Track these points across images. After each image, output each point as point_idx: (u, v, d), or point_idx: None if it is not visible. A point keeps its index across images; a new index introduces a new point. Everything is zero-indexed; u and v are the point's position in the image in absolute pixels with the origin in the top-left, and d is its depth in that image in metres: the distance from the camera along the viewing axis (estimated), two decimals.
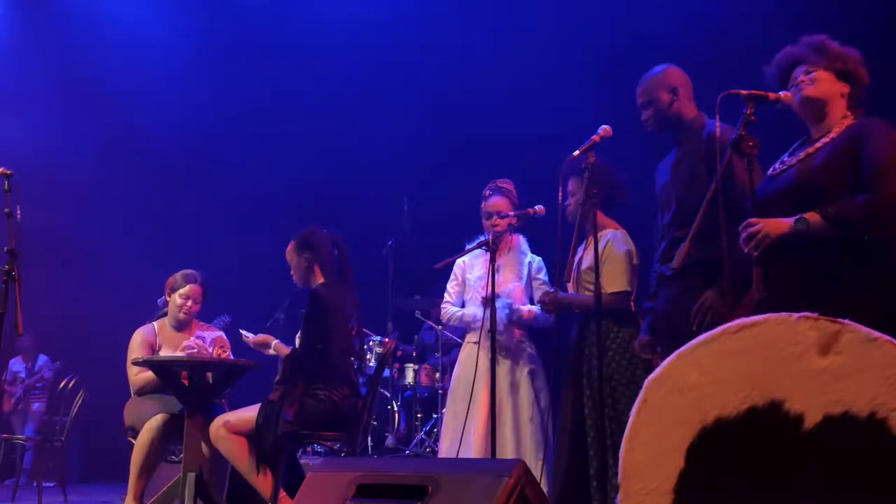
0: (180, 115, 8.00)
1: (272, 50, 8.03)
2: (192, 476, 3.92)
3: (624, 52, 6.26)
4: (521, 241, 4.60)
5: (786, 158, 2.85)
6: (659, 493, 1.84)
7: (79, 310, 7.97)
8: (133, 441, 4.23)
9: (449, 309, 4.65)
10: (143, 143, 8.30)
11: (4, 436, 6.38)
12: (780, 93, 2.80)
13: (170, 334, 4.58)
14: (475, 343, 4.38)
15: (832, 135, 2.72)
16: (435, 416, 6.62)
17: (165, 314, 4.67)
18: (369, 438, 6.45)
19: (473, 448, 4.24)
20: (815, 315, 1.86)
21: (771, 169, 2.87)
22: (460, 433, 4.24)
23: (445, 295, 4.70)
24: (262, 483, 3.87)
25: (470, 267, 4.63)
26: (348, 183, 8.14)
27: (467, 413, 4.24)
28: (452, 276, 4.70)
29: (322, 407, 3.96)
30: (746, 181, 2.73)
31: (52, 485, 7.48)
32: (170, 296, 4.60)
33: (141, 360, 4.22)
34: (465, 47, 7.51)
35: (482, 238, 4.35)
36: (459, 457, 4.20)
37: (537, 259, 4.60)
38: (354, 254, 4.38)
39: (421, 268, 5.58)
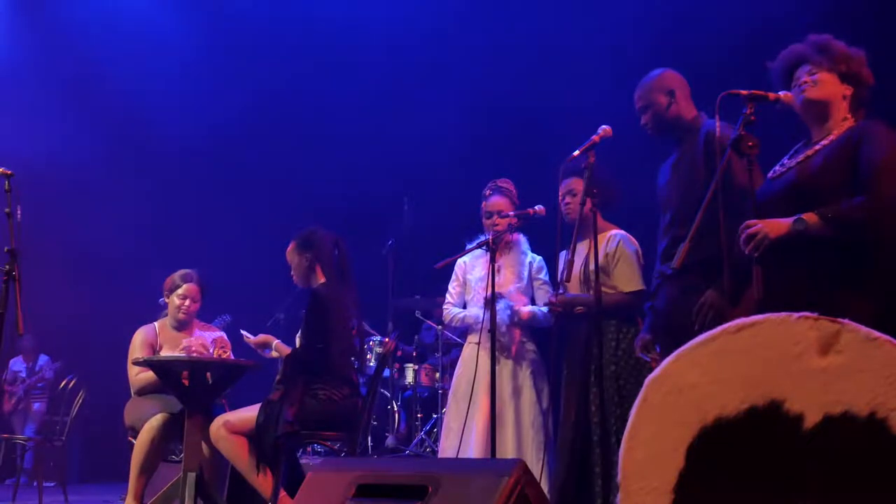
0: (181, 115, 8.00)
1: (271, 51, 8.03)
2: (192, 476, 3.92)
3: (624, 51, 6.26)
4: (522, 240, 4.60)
5: (786, 161, 2.85)
6: (659, 493, 1.84)
7: (80, 310, 7.98)
8: (133, 441, 4.24)
9: (451, 310, 4.66)
10: (144, 144, 8.30)
11: (5, 436, 6.39)
12: (780, 93, 2.80)
13: (170, 334, 4.59)
14: (476, 343, 4.38)
15: (832, 137, 2.72)
16: (435, 416, 6.62)
17: (167, 314, 4.68)
18: (369, 438, 6.44)
19: (474, 448, 4.25)
20: (815, 315, 1.86)
21: (771, 171, 2.87)
22: (461, 433, 4.25)
23: (447, 296, 4.71)
24: (262, 483, 3.87)
25: (471, 267, 4.63)
26: (348, 183, 8.14)
27: (467, 413, 4.25)
28: (454, 277, 4.70)
29: (322, 407, 3.96)
30: (746, 181, 2.73)
31: (52, 485, 7.49)
32: (168, 296, 4.61)
33: (141, 360, 4.22)
34: (464, 47, 7.51)
35: (482, 238, 4.36)
36: (459, 457, 4.20)
37: (538, 259, 4.60)
38: (354, 254, 4.39)
39: (421, 268, 5.58)
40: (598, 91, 6.09)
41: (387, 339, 6.38)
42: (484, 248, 4.25)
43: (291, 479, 4.02)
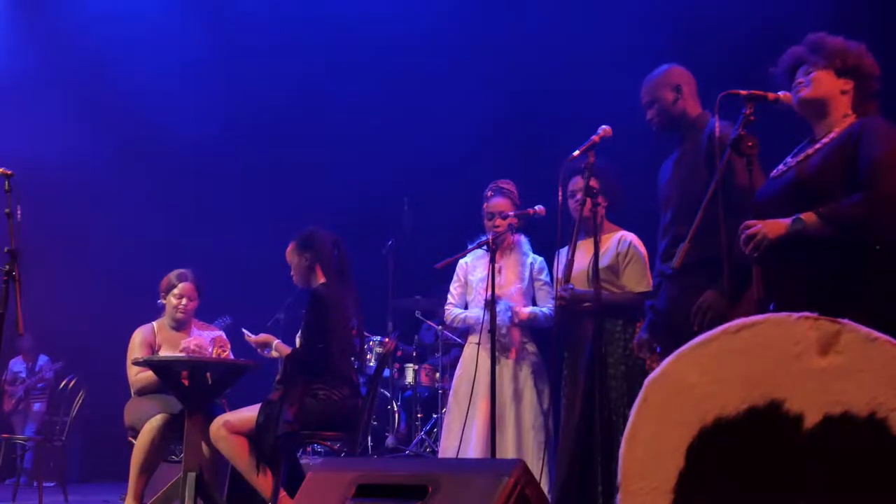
0: (181, 116, 7.99)
1: (271, 52, 8.03)
2: (192, 476, 3.92)
3: (624, 51, 6.26)
4: (523, 241, 4.61)
5: (789, 160, 2.85)
6: (659, 493, 1.84)
7: (80, 310, 7.98)
8: (133, 441, 4.24)
9: (452, 311, 4.67)
10: (144, 144, 8.30)
11: (5, 436, 6.39)
12: (780, 93, 2.80)
13: (169, 334, 4.59)
14: (477, 344, 4.39)
15: (832, 135, 2.71)
16: (435, 416, 6.62)
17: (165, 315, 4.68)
18: (369, 438, 6.44)
19: (474, 448, 4.25)
20: (815, 315, 1.86)
21: (775, 171, 2.87)
22: (461, 433, 4.25)
23: (448, 296, 4.72)
24: (262, 483, 3.87)
25: (472, 268, 4.64)
26: (348, 183, 8.14)
27: (467, 413, 4.25)
28: (455, 278, 4.71)
29: (322, 407, 3.96)
30: (746, 181, 2.73)
31: (52, 485, 7.49)
32: (165, 297, 4.62)
33: (141, 360, 4.22)
34: (464, 47, 7.51)
35: (483, 238, 4.36)
36: (460, 457, 4.20)
37: (539, 259, 4.61)
38: (354, 254, 4.39)
39: (421, 268, 5.58)
40: (598, 91, 6.08)
41: (387, 339, 6.38)
42: (484, 248, 4.25)
43: (291, 479, 4.02)
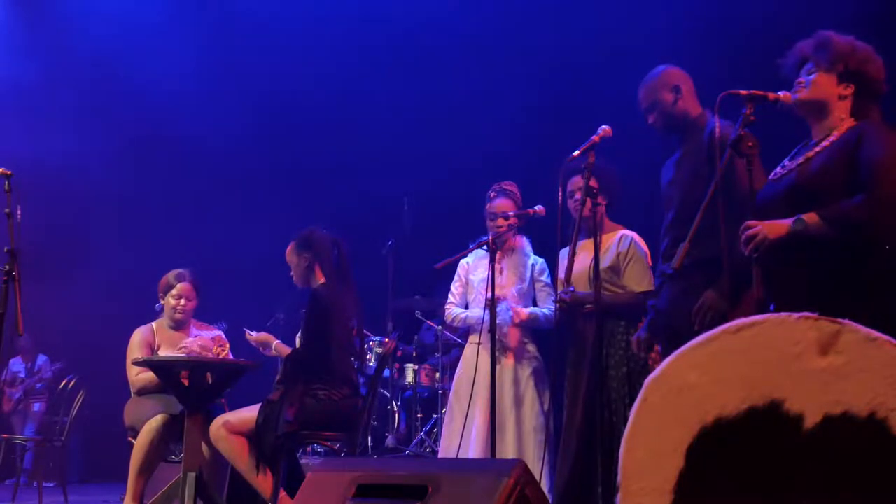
0: (180, 116, 8.00)
1: (270, 52, 8.03)
2: (192, 476, 3.92)
3: (624, 50, 6.26)
4: (525, 243, 4.63)
5: (787, 162, 2.85)
6: (659, 493, 1.84)
7: (79, 310, 7.97)
8: (133, 441, 4.24)
9: (453, 310, 4.68)
10: (144, 144, 8.30)
11: (4, 436, 6.38)
12: (780, 93, 2.80)
13: (168, 334, 4.59)
14: (477, 344, 4.40)
15: (832, 138, 2.71)
16: (435, 416, 6.62)
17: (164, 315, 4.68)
18: (369, 438, 6.44)
19: (475, 448, 4.25)
20: (815, 315, 1.85)
21: (773, 173, 2.86)
22: (461, 433, 4.25)
23: (449, 296, 4.73)
24: (262, 483, 3.87)
25: (473, 268, 4.65)
26: (348, 183, 8.14)
27: (467, 413, 4.25)
28: (456, 278, 4.73)
29: (322, 407, 3.96)
30: (747, 181, 2.73)
31: (52, 485, 7.49)
32: (163, 297, 4.62)
33: (141, 360, 4.23)
34: (465, 47, 7.51)
35: (484, 238, 4.36)
36: (460, 457, 4.20)
37: (540, 261, 4.62)
38: (354, 254, 4.39)
39: (421, 268, 5.58)
40: (598, 91, 6.09)
41: (387, 339, 6.38)
42: (485, 248, 4.26)
43: (291, 479, 4.02)
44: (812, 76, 2.76)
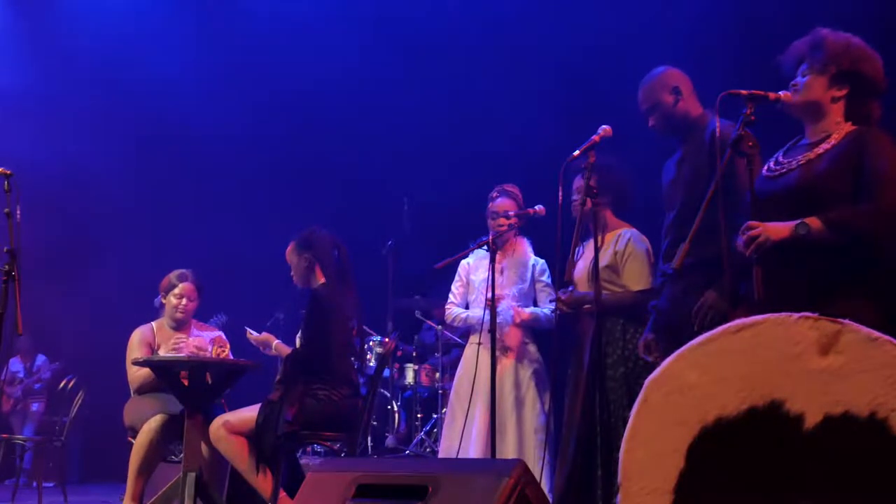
0: (180, 116, 8.00)
1: (270, 51, 8.03)
2: (192, 476, 3.92)
3: (625, 50, 6.26)
4: (526, 243, 4.64)
5: (781, 159, 2.84)
6: (659, 493, 1.84)
7: (79, 310, 7.97)
8: (133, 441, 4.24)
9: (453, 310, 4.68)
10: (143, 145, 8.30)
11: (4, 436, 6.38)
12: (780, 93, 2.80)
13: (168, 334, 4.59)
14: (478, 343, 4.40)
15: (832, 141, 2.70)
16: (435, 416, 6.62)
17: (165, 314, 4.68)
18: (369, 438, 6.44)
19: (475, 448, 4.26)
20: (815, 315, 1.86)
21: (766, 169, 2.85)
22: (461, 433, 4.25)
23: (450, 296, 4.74)
24: (262, 483, 3.87)
25: (474, 269, 4.66)
26: (348, 183, 8.14)
27: (467, 413, 4.26)
28: (457, 278, 4.74)
29: (322, 407, 3.96)
30: (747, 181, 2.72)
31: (51, 485, 7.49)
32: (165, 297, 4.62)
33: (141, 360, 4.22)
34: (466, 47, 7.51)
35: (484, 238, 4.37)
36: (460, 457, 4.20)
37: (541, 261, 4.63)
38: (354, 254, 4.39)
39: (421, 268, 5.58)
40: (598, 90, 6.08)
41: (387, 339, 6.38)
42: (485, 248, 4.26)
43: (291, 479, 4.02)
44: (805, 78, 2.76)
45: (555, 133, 5.89)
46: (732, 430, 1.83)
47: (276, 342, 4.24)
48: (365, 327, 4.61)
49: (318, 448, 6.17)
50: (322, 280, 4.21)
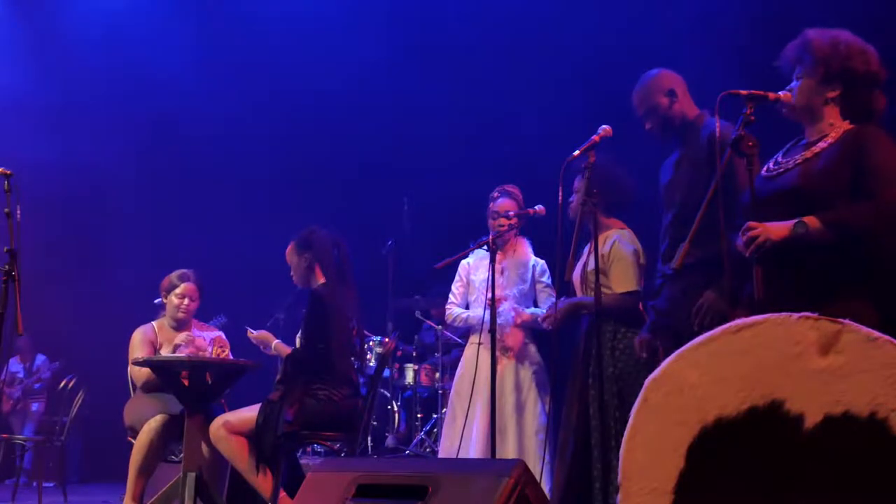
0: (179, 116, 8.00)
1: (270, 50, 8.03)
2: (192, 476, 3.92)
3: (624, 50, 6.26)
4: (527, 244, 4.65)
5: (780, 159, 2.84)
6: (659, 493, 1.84)
7: (79, 309, 7.97)
8: (133, 441, 4.24)
9: (454, 310, 4.69)
10: (143, 144, 8.30)
11: (4, 436, 6.38)
12: (780, 93, 2.80)
13: (169, 334, 4.60)
14: (478, 344, 4.40)
15: (829, 140, 2.70)
16: (435, 416, 6.62)
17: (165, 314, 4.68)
18: (369, 438, 6.44)
19: (475, 448, 4.26)
20: (816, 315, 1.85)
21: (765, 170, 2.85)
22: (461, 433, 4.26)
23: (450, 296, 4.74)
24: (262, 483, 3.87)
25: (475, 269, 4.66)
26: (348, 183, 8.14)
27: (467, 413, 4.26)
28: (457, 278, 4.74)
29: (322, 407, 3.96)
30: (747, 181, 2.72)
31: (51, 485, 7.49)
32: (166, 297, 4.62)
33: (141, 360, 4.22)
34: (465, 47, 7.51)
35: (484, 238, 4.37)
36: (460, 457, 4.21)
37: (541, 262, 4.64)
38: (354, 254, 4.39)
39: (421, 268, 5.58)
40: (599, 90, 6.08)
41: (387, 339, 6.38)
42: (485, 248, 4.26)
43: (291, 479, 4.02)
44: (798, 82, 2.76)
45: (555, 133, 5.89)
46: (732, 430, 1.83)
47: (275, 342, 4.24)
48: (364, 329, 4.60)
49: (318, 448, 6.17)
50: (322, 280, 4.21)
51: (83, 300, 7.99)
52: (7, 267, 3.29)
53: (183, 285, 4.58)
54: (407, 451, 6.41)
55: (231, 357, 4.48)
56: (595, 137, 3.40)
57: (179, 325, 4.61)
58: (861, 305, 2.43)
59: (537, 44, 7.23)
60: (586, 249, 4.04)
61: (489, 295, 4.00)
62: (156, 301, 4.73)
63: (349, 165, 8.05)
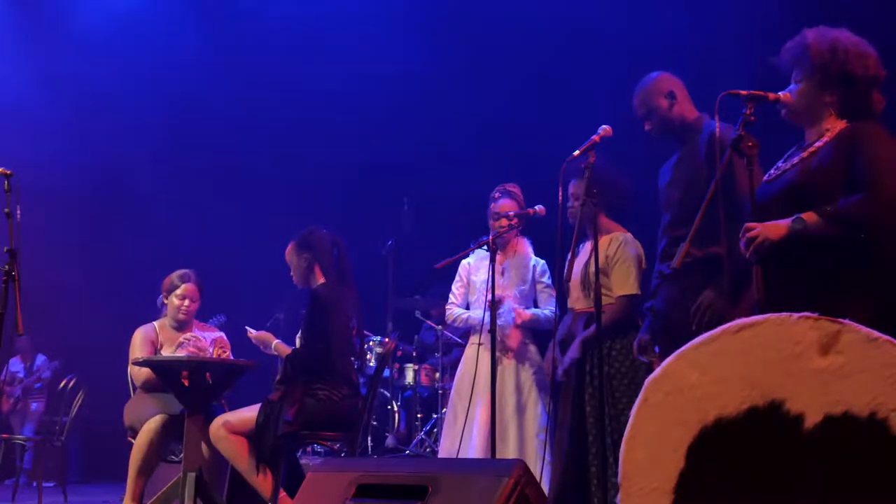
0: (179, 115, 8.00)
1: (271, 50, 8.03)
2: (192, 476, 3.92)
3: (624, 50, 6.26)
4: (527, 244, 4.64)
5: (781, 164, 2.84)
6: (659, 493, 1.84)
7: (78, 309, 7.97)
8: (133, 441, 4.24)
9: (454, 310, 4.69)
10: (142, 144, 8.30)
11: (4, 436, 6.38)
12: (780, 93, 2.80)
13: (170, 334, 4.59)
14: (478, 344, 4.40)
15: (826, 139, 2.71)
16: (435, 416, 6.62)
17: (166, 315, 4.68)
18: (369, 438, 6.45)
19: (475, 448, 4.26)
20: (816, 315, 1.85)
21: (767, 175, 2.86)
22: (461, 433, 4.26)
23: (450, 296, 4.74)
24: (262, 483, 3.87)
25: (475, 269, 4.66)
26: (348, 183, 8.14)
27: (467, 413, 4.26)
28: (458, 278, 4.74)
29: (322, 407, 3.96)
30: (747, 181, 2.72)
31: (52, 485, 7.49)
32: (167, 297, 4.62)
33: (141, 360, 4.22)
34: (465, 47, 7.51)
35: (484, 238, 4.37)
36: (460, 457, 4.21)
37: (541, 262, 4.64)
38: (354, 254, 4.39)
39: (421, 268, 5.58)
40: (598, 91, 6.08)
41: (387, 339, 6.39)
42: (485, 248, 4.26)
43: (291, 479, 4.02)
44: (797, 86, 2.76)
45: (555, 132, 5.89)
46: (732, 430, 1.83)
47: (275, 342, 4.24)
48: (364, 329, 4.60)
49: (318, 448, 6.17)
50: (322, 280, 4.21)
51: (83, 299, 7.99)
52: (7, 267, 3.29)
53: (183, 286, 4.58)
54: (407, 451, 6.41)
55: (231, 357, 4.48)
56: (595, 137, 3.40)
57: (180, 326, 4.61)
58: (861, 305, 2.43)
59: (537, 43, 7.23)
60: (582, 248, 4.04)
61: (489, 296, 4.00)
62: (157, 301, 4.73)
63: (349, 165, 8.05)
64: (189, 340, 4.42)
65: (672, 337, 3.13)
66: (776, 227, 2.58)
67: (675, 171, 3.46)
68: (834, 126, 2.72)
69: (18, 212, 3.33)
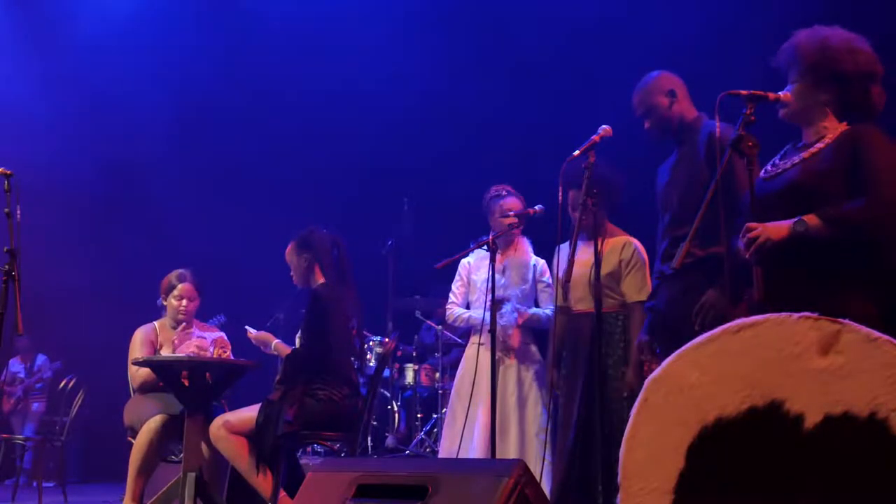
0: (178, 115, 8.00)
1: (270, 49, 8.03)
2: (192, 476, 3.92)
3: (625, 51, 6.26)
4: (527, 244, 4.64)
5: (778, 161, 2.84)
6: (659, 493, 1.84)
7: (78, 308, 7.97)
8: (132, 441, 4.24)
9: (455, 310, 4.68)
10: (142, 144, 8.30)
11: (4, 436, 6.38)
12: (780, 93, 2.79)
13: (170, 334, 4.59)
14: (479, 344, 4.40)
15: (826, 140, 2.70)
16: (435, 416, 6.62)
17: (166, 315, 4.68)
18: (369, 438, 6.45)
19: (476, 448, 4.26)
20: (816, 315, 1.85)
21: (763, 172, 2.86)
22: (462, 433, 4.25)
23: (451, 296, 4.73)
24: (262, 483, 3.87)
25: (476, 269, 4.66)
26: (348, 183, 8.14)
27: (467, 413, 4.26)
28: (458, 278, 4.74)
29: (322, 407, 3.96)
30: (747, 181, 2.72)
31: (52, 485, 7.49)
32: (165, 298, 4.62)
33: (141, 360, 4.22)
34: (465, 47, 7.51)
35: (484, 238, 4.36)
36: (460, 457, 4.21)
37: (541, 262, 4.64)
38: (354, 254, 4.39)
39: (421, 268, 5.58)
40: (599, 90, 6.08)
41: (387, 339, 6.38)
42: (485, 248, 4.25)
43: (291, 479, 4.02)
44: (792, 87, 2.77)
45: (555, 132, 5.89)
46: (732, 430, 1.83)
47: (275, 342, 4.24)
48: (364, 329, 4.60)
49: (318, 448, 6.17)
50: (322, 280, 4.21)
51: (83, 299, 7.99)
52: (7, 267, 3.29)
53: (181, 286, 4.58)
54: (407, 451, 6.41)
55: (231, 357, 4.48)
56: (595, 137, 3.40)
57: (180, 326, 4.61)
58: (861, 305, 2.43)
59: (537, 44, 7.23)
60: (580, 247, 4.03)
61: (489, 295, 4.00)
62: (158, 302, 4.73)
63: (349, 165, 8.05)
64: (184, 347, 4.40)
65: (673, 337, 3.12)
66: (778, 228, 2.58)
67: (673, 171, 3.46)
68: (833, 126, 2.71)
69: (18, 212, 3.33)
